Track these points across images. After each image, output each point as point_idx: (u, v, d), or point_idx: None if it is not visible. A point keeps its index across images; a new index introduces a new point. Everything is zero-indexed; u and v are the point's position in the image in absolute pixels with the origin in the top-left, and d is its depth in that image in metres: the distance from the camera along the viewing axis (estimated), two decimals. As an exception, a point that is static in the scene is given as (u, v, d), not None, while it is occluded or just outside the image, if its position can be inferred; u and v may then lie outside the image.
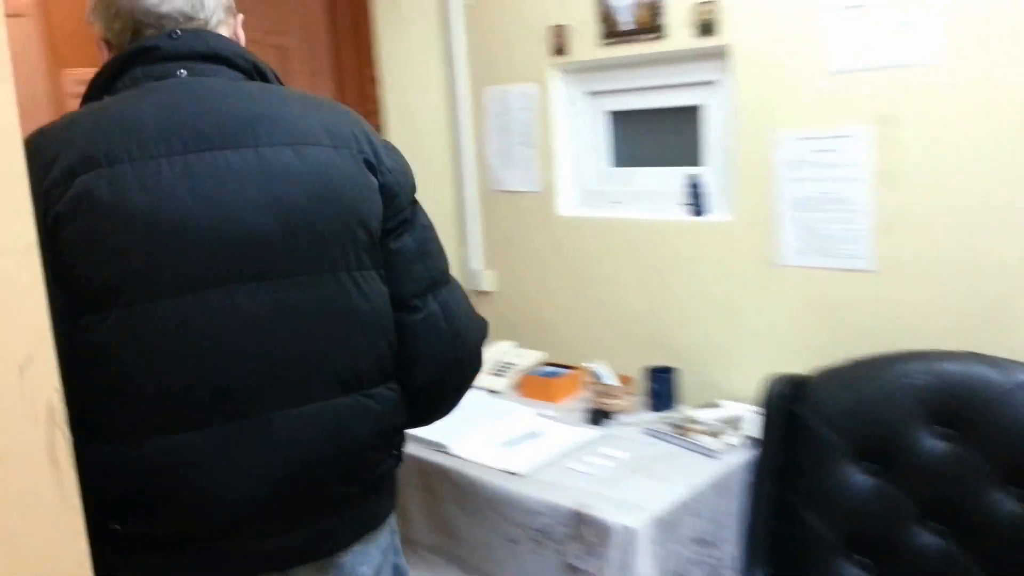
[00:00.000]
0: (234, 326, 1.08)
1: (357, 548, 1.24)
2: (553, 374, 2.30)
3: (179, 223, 1.05)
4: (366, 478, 1.22)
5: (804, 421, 1.76)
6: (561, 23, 2.29)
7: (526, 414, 2.12)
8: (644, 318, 2.27)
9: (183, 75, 1.14)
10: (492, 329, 2.62)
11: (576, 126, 2.41)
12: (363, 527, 1.24)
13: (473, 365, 1.33)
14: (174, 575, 1.14)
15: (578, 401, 2.21)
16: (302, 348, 1.12)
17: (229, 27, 1.24)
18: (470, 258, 2.64)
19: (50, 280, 0.89)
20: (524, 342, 2.50)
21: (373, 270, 1.18)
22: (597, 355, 2.24)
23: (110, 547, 1.06)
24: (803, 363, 1.88)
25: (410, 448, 1.96)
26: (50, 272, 0.91)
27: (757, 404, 1.86)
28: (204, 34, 1.17)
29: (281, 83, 1.25)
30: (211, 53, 1.16)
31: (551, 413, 2.13)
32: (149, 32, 1.16)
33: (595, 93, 2.37)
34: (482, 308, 2.75)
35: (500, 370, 2.37)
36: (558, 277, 2.45)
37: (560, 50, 2.31)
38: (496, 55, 2.48)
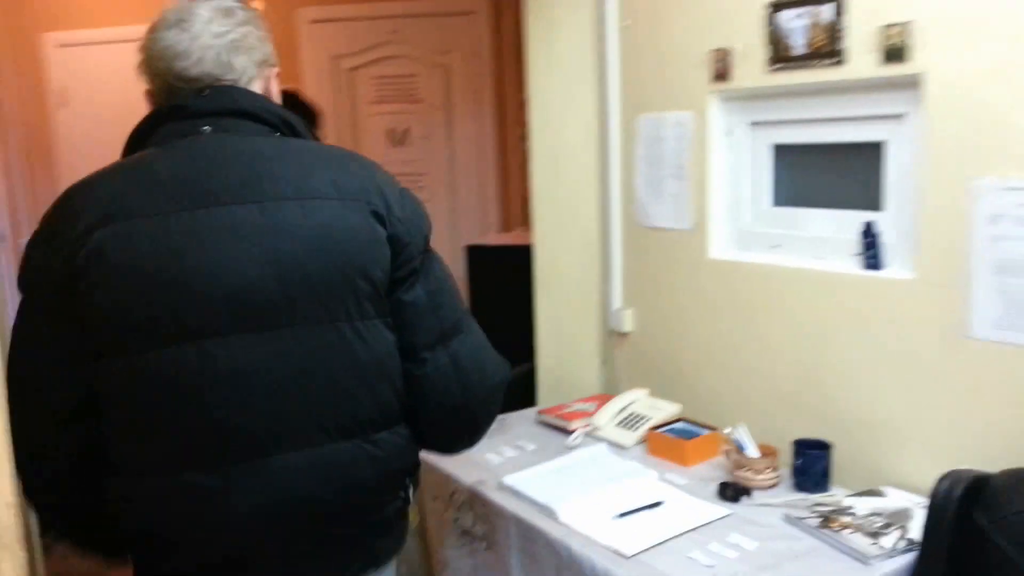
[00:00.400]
0: (232, 375, 1.13)
1: None
2: (687, 433, 2.06)
3: (179, 276, 1.11)
4: (370, 520, 1.27)
5: (981, 531, 1.43)
6: (724, 46, 2.06)
7: (649, 479, 1.89)
8: (797, 381, 1.98)
9: (207, 131, 1.20)
10: (626, 372, 2.47)
11: (735, 159, 2.17)
12: (364, 567, 1.28)
13: (487, 412, 1.34)
14: None
15: (711, 468, 1.96)
16: (300, 396, 1.16)
17: (262, 81, 1.30)
18: (611, 295, 2.44)
19: (71, 325, 1.12)
20: (658, 391, 2.28)
21: (377, 319, 1.20)
22: (738, 417, 1.98)
23: None
24: (988, 459, 1.55)
25: (516, 507, 1.80)
26: (70, 318, 1.12)
27: (927, 500, 1.54)
28: (232, 91, 1.24)
29: (315, 135, 1.31)
30: (237, 109, 1.22)
31: (678, 479, 1.90)
32: (181, 91, 1.23)
33: (758, 124, 2.11)
34: (618, 349, 2.60)
35: (629, 422, 2.15)
36: (703, 325, 2.21)
37: (721, 75, 2.08)
38: (651, 79, 2.28)
